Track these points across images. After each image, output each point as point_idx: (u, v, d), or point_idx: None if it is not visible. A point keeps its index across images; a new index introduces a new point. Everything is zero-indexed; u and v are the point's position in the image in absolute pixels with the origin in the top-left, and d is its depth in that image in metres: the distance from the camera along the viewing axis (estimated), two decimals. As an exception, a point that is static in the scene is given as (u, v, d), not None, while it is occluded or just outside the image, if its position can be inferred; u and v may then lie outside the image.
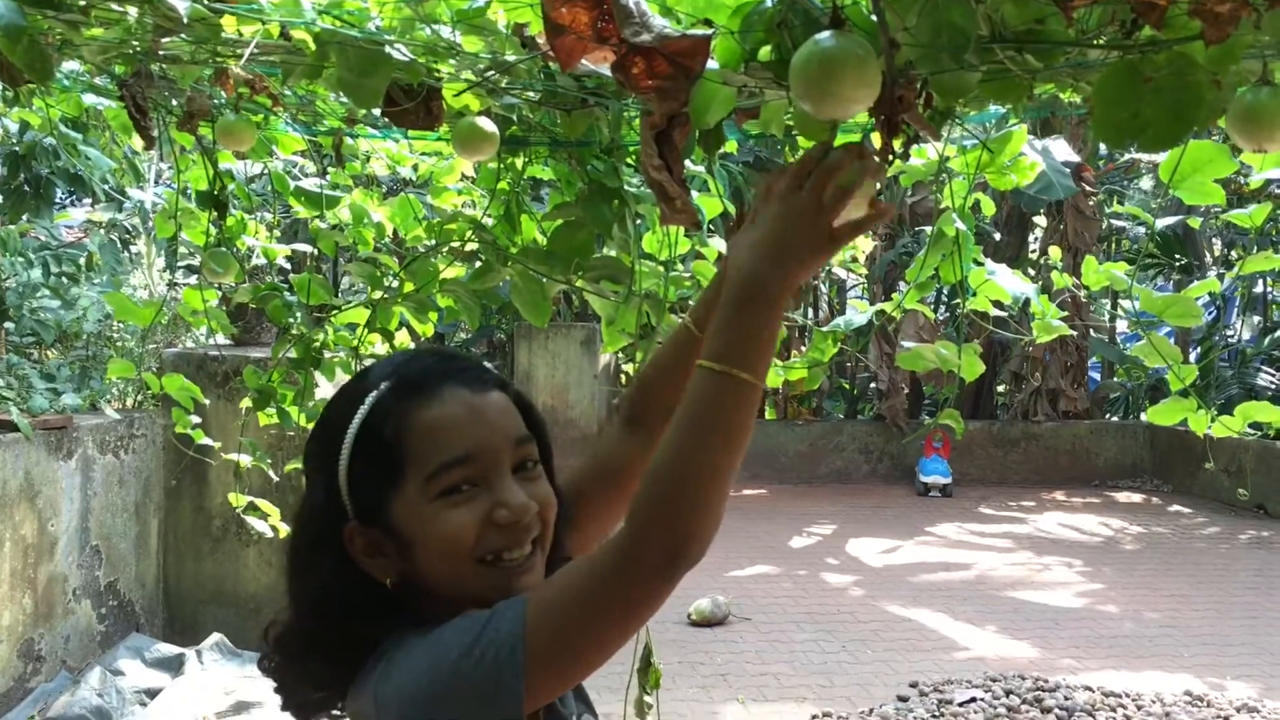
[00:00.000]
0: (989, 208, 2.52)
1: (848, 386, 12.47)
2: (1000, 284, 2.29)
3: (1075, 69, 1.16)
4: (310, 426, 1.32)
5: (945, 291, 9.91)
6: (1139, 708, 4.96)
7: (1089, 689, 5.15)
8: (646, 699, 2.37)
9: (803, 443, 11.07)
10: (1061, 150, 9.62)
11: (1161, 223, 10.30)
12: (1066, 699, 4.98)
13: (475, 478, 1.12)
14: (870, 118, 1.11)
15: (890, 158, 1.13)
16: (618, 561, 0.99)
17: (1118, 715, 4.86)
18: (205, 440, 2.96)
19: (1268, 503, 9.41)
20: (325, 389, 2.79)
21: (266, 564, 5.55)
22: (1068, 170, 9.54)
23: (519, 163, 2.25)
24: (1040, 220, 11.06)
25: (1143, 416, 11.93)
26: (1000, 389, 12.52)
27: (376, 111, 2.11)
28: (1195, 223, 9.26)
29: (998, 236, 11.25)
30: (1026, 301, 2.39)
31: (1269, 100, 1.06)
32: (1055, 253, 3.26)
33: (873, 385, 11.75)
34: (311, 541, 1.15)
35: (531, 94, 1.73)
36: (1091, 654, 5.82)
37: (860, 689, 5.24)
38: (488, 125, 1.75)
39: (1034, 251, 12.21)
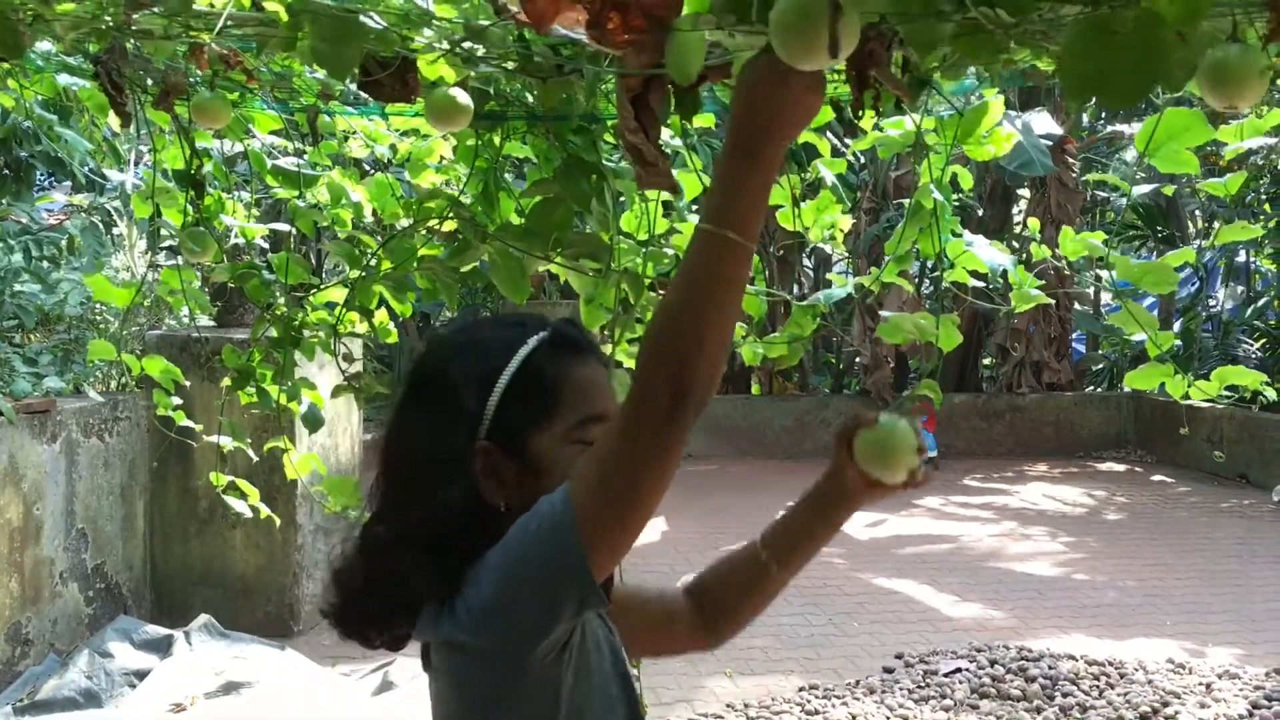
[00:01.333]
0: (966, 180, 2.51)
1: (833, 361, 12.50)
2: (978, 255, 2.29)
3: (1048, 26, 1.16)
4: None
5: (929, 265, 9.92)
6: (1122, 675, 5.01)
7: (1073, 658, 5.20)
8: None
9: (789, 418, 11.10)
10: (1043, 123, 9.60)
11: (1139, 191, 10.31)
12: (1051, 668, 5.02)
13: None
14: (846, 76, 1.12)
15: (860, 112, 1.16)
16: (631, 412, 1.10)
17: (1101, 683, 4.90)
18: (186, 423, 2.95)
19: (1250, 472, 9.49)
20: (305, 369, 2.78)
21: (254, 545, 5.56)
22: (1049, 146, 9.53)
23: (496, 139, 2.24)
24: (1024, 193, 11.07)
25: (1125, 387, 12.00)
26: (985, 362, 12.57)
27: (354, 87, 2.10)
28: (1169, 190, 9.29)
29: (981, 211, 11.26)
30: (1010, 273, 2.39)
31: (1238, 57, 1.07)
32: (1034, 224, 3.27)
33: (858, 360, 11.78)
34: (455, 449, 1.24)
35: (508, 64, 1.72)
36: (1075, 623, 5.87)
37: (846, 661, 5.28)
38: (461, 96, 1.74)
39: (1018, 224, 12.24)
